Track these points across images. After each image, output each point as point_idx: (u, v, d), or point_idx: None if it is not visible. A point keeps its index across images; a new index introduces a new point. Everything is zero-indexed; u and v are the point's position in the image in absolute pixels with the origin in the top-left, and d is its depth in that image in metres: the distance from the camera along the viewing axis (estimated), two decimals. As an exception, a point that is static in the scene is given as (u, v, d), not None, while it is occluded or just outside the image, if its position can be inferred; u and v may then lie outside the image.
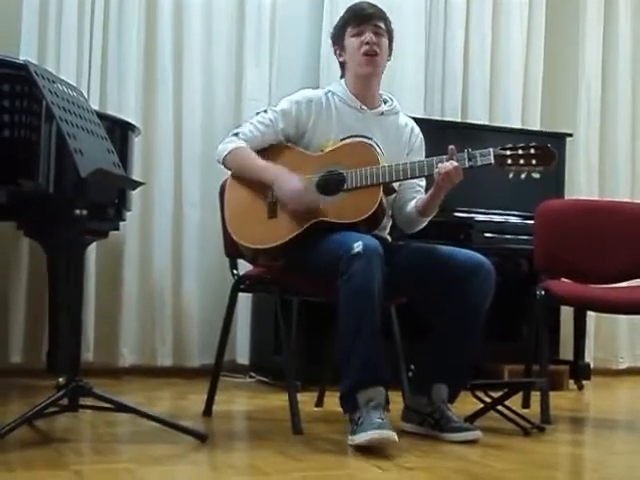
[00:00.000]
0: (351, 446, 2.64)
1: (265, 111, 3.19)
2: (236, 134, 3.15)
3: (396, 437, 2.59)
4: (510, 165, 2.86)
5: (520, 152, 2.87)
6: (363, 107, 3.15)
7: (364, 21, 3.11)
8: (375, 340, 2.73)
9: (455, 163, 2.87)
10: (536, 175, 2.87)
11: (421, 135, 3.26)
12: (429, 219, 3.13)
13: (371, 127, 3.12)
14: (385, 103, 3.22)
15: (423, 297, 3.12)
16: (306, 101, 3.14)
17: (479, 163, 2.88)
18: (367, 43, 3.08)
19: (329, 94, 3.17)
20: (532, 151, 2.87)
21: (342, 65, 3.23)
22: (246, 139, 3.12)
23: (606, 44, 5.54)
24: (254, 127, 3.14)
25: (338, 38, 3.20)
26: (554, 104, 5.47)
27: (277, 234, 2.98)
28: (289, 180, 2.98)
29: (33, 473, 2.23)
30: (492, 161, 2.86)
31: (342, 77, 3.24)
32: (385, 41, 3.15)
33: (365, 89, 3.17)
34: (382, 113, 3.18)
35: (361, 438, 2.60)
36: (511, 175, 2.87)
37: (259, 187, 3.05)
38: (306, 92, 3.21)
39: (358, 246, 2.71)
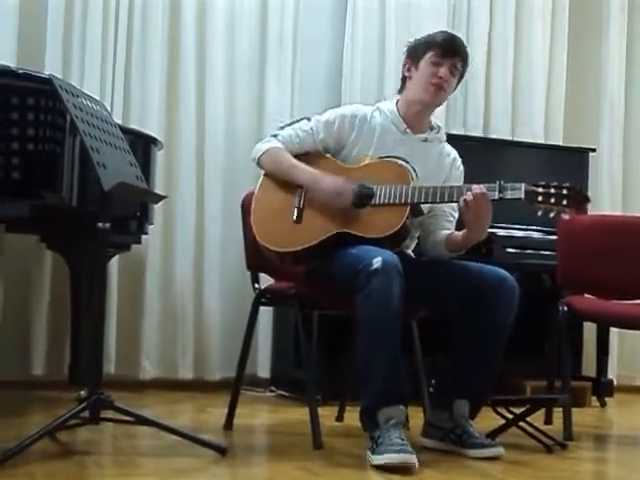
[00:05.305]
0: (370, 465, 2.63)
1: (309, 119, 3.15)
2: (275, 135, 3.14)
3: (416, 460, 2.57)
4: (540, 203, 2.80)
5: (552, 191, 2.80)
6: (407, 130, 3.11)
7: (449, 56, 3.06)
8: (394, 357, 2.72)
9: (483, 188, 2.84)
10: (565, 216, 2.84)
11: (462, 167, 3.21)
12: (454, 255, 3.09)
13: (413, 151, 3.08)
14: (432, 130, 3.19)
15: (446, 313, 3.11)
16: (351, 115, 3.11)
17: (509, 196, 2.83)
18: (440, 77, 3.04)
19: (376, 112, 3.14)
20: (564, 192, 2.80)
21: (404, 80, 3.17)
22: (284, 142, 3.10)
23: (629, 58, 5.51)
24: (294, 132, 3.12)
25: (416, 53, 3.13)
26: (577, 119, 5.44)
27: (300, 239, 2.96)
28: (326, 178, 2.98)
29: (54, 485, 2.24)
30: (522, 196, 2.81)
31: (400, 92, 3.19)
32: (454, 81, 3.11)
33: (416, 115, 3.13)
34: (426, 139, 3.14)
35: (380, 460, 2.58)
36: (540, 213, 2.82)
37: (289, 190, 3.04)
38: (354, 107, 3.20)
39: (377, 262, 2.69)
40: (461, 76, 3.16)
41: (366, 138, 3.09)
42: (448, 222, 3.12)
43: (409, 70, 3.15)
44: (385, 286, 2.68)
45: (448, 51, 3.08)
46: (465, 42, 4.98)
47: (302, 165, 3.04)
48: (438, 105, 3.18)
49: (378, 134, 3.09)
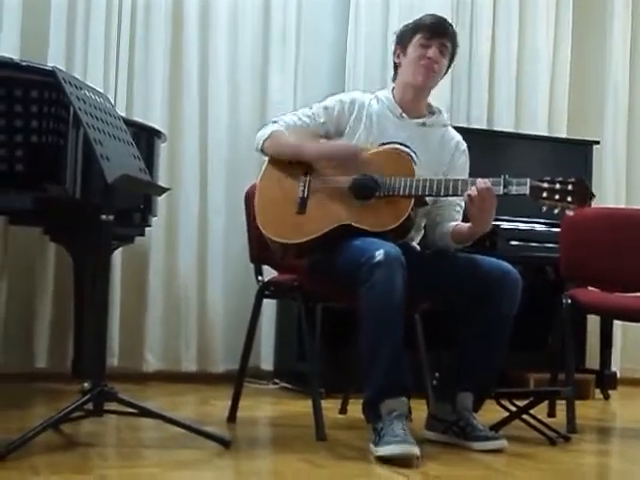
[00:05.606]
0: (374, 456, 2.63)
1: (310, 107, 3.16)
2: (276, 122, 3.13)
3: (418, 451, 2.57)
4: (545, 199, 2.78)
5: (557, 187, 2.78)
6: (403, 115, 3.11)
7: (435, 36, 3.06)
8: (397, 350, 2.71)
9: (488, 183, 2.82)
10: (570, 212, 2.81)
11: (467, 153, 3.20)
12: (460, 247, 3.08)
13: (411, 135, 3.07)
14: (432, 114, 3.18)
15: (449, 305, 3.10)
16: (350, 101, 3.12)
17: (513, 192, 2.81)
18: (429, 58, 3.04)
19: (374, 100, 3.14)
20: (569, 187, 2.77)
21: (395, 67, 3.18)
22: (286, 127, 3.09)
23: (633, 51, 5.50)
24: (296, 117, 3.12)
25: (403, 40, 3.13)
26: (581, 112, 5.43)
27: (303, 231, 2.94)
28: (335, 142, 3.02)
29: (59, 477, 2.23)
30: (527, 192, 2.79)
31: (394, 79, 3.20)
32: (445, 62, 3.11)
33: (411, 100, 3.13)
34: (424, 124, 3.13)
35: (383, 451, 2.58)
36: (544, 209, 2.80)
37: (293, 180, 3.03)
38: (353, 93, 3.22)
39: (379, 254, 2.69)
40: (452, 57, 3.16)
41: (365, 125, 3.09)
42: (456, 212, 3.11)
43: (399, 57, 3.16)
44: (388, 278, 2.68)
45: (435, 32, 3.07)
46: (469, 35, 5.08)
47: (309, 141, 3.04)
48: (431, 87, 3.15)
49: (376, 121, 3.09)
